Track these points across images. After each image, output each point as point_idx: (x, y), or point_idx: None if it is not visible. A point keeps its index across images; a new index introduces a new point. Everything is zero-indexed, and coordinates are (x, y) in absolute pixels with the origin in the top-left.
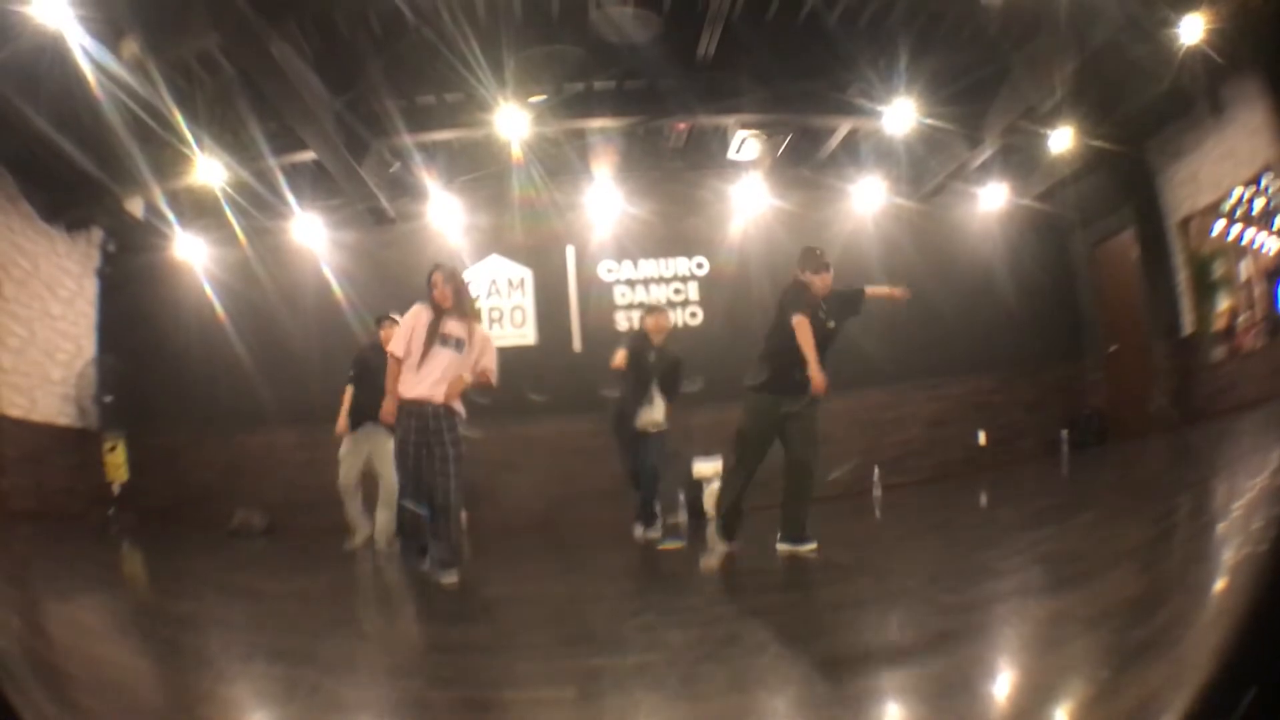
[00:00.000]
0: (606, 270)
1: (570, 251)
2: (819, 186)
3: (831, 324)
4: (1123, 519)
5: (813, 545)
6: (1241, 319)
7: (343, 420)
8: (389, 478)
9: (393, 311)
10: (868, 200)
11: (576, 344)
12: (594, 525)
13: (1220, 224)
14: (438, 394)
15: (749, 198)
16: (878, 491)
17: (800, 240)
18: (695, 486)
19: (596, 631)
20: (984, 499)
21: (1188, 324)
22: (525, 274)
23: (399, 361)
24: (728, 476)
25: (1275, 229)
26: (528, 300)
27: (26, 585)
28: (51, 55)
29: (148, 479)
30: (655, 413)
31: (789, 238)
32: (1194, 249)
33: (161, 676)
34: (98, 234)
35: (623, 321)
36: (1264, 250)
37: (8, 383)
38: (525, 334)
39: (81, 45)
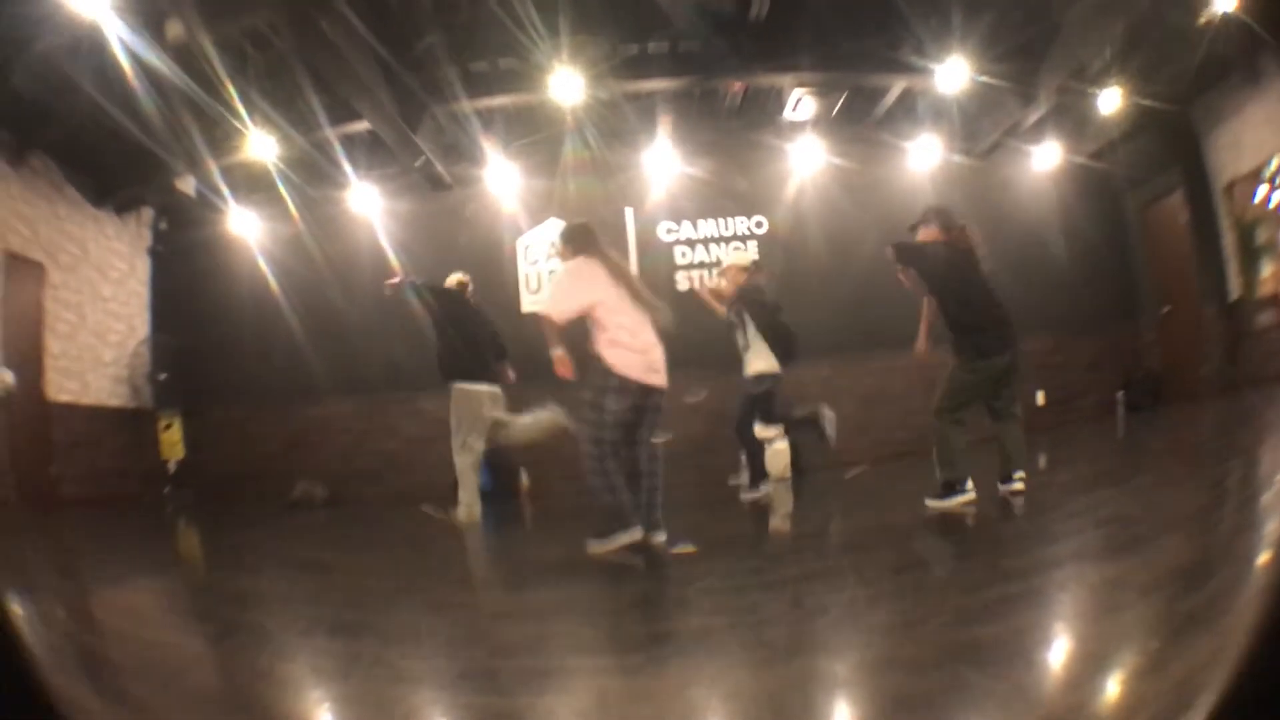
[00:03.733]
0: (666, 231)
1: (629, 213)
2: (875, 144)
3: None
4: (1176, 485)
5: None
6: None
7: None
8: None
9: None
10: (924, 158)
11: None
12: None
13: (1263, 190)
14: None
15: (806, 157)
16: None
17: (856, 198)
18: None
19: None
20: (1043, 460)
21: (1235, 289)
22: None
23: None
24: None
25: None
26: None
27: (76, 574)
28: (98, 38)
29: (204, 456)
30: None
31: (846, 196)
32: (1238, 214)
33: (216, 657)
34: (148, 213)
35: (683, 282)
36: None
37: (57, 368)
38: None
39: (127, 28)
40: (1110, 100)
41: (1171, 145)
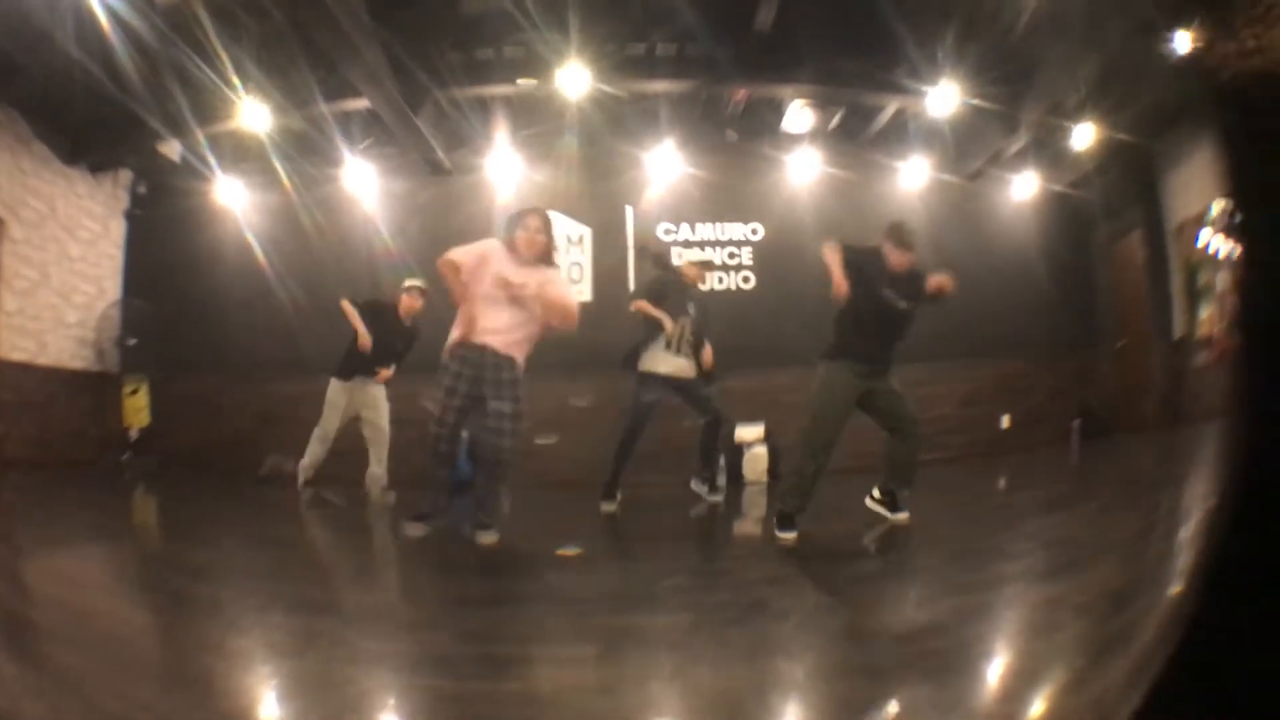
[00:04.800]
0: (663, 231)
1: (629, 211)
2: (868, 160)
3: (903, 305)
4: (1117, 511)
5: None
6: (1217, 329)
7: (363, 334)
8: (384, 429)
9: (421, 281)
10: (913, 177)
11: None
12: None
13: (1205, 234)
14: (502, 342)
15: (803, 167)
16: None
17: (850, 211)
18: (736, 451)
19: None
20: (1003, 482)
21: (1179, 327)
22: (584, 231)
23: (460, 280)
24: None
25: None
26: (585, 258)
27: (9, 536)
28: None
29: (172, 424)
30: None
31: (841, 208)
32: (1185, 256)
33: (163, 628)
34: (126, 175)
35: None
36: (1235, 265)
37: (11, 325)
38: (582, 291)
39: None
40: (1084, 135)
41: (1135, 184)
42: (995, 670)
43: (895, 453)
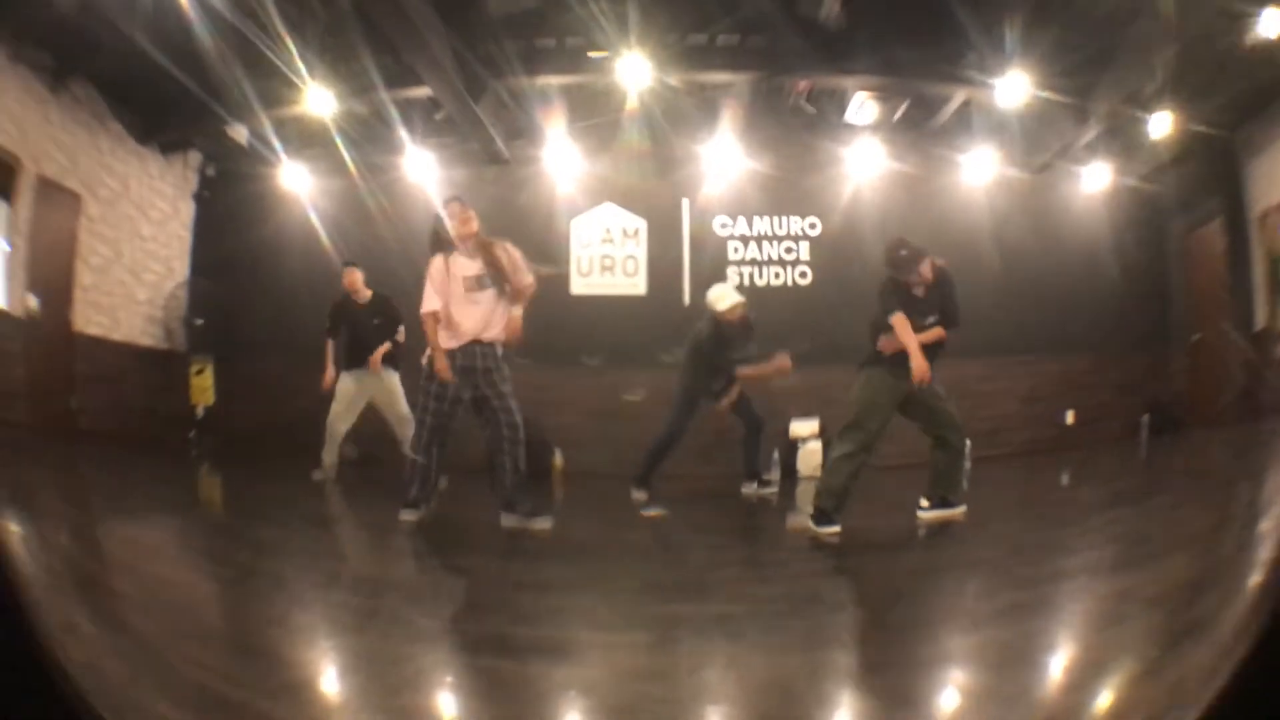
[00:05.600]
0: (720, 225)
1: (685, 204)
2: (932, 153)
3: (929, 320)
4: (1189, 506)
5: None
6: None
7: (329, 374)
8: (402, 413)
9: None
10: (979, 170)
11: (686, 297)
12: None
13: None
14: (487, 334)
15: (865, 161)
16: (968, 464)
17: (912, 206)
18: (791, 447)
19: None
20: (1066, 478)
21: (1261, 319)
22: (640, 224)
23: (436, 319)
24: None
25: None
26: (641, 250)
27: (86, 504)
28: None
29: (237, 405)
30: None
31: (901, 203)
32: (1269, 245)
33: (229, 600)
34: (196, 157)
35: (734, 277)
36: None
37: (88, 300)
38: (636, 284)
39: None
40: (1160, 124)
41: (1215, 172)
42: (1064, 660)
43: (938, 461)
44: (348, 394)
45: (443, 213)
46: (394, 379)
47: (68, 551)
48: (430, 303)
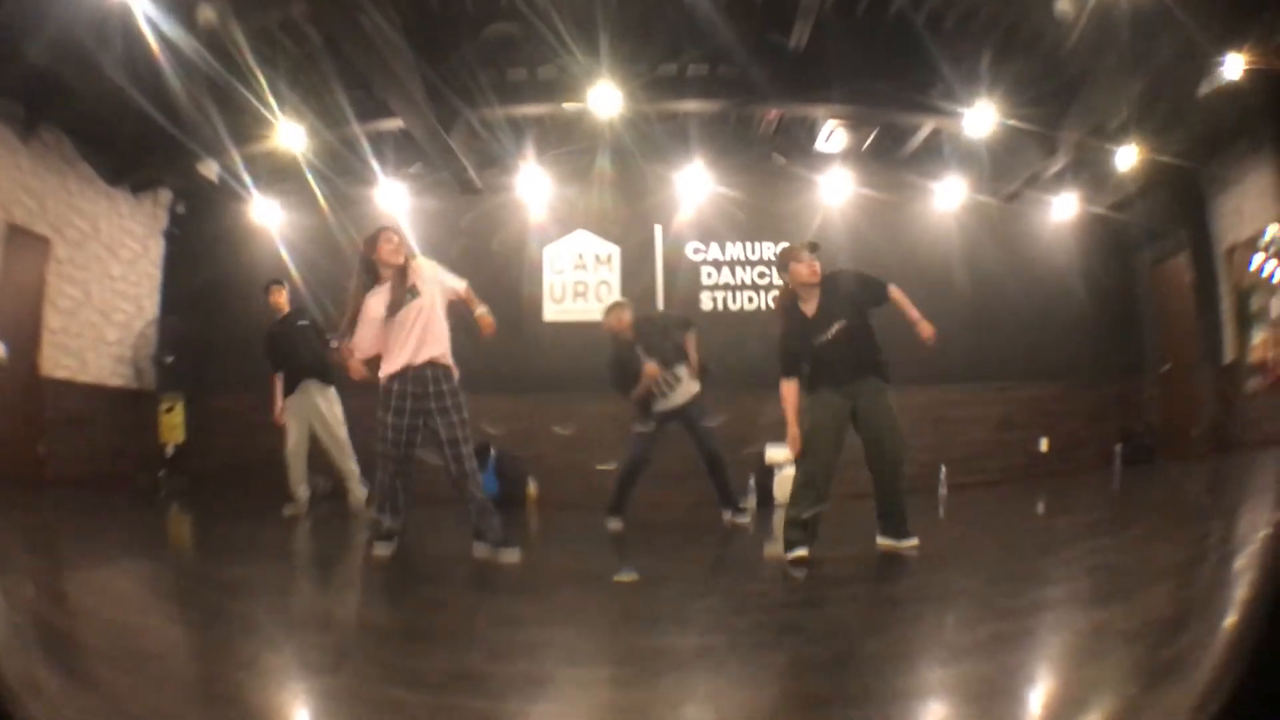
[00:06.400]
0: (693, 251)
1: (658, 230)
2: (903, 181)
3: (838, 325)
4: (1163, 539)
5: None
6: (1272, 354)
7: (278, 406)
8: (339, 437)
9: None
10: (949, 198)
11: None
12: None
13: (1258, 258)
14: (426, 355)
15: (836, 188)
16: (943, 490)
17: (883, 232)
18: (767, 473)
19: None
20: (1041, 506)
21: (1229, 352)
22: (613, 250)
23: (364, 357)
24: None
25: None
26: (614, 276)
27: (52, 552)
28: (125, 16)
29: (207, 442)
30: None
31: (874, 229)
32: (1236, 280)
33: (199, 644)
34: (166, 195)
35: (708, 302)
36: None
37: (54, 343)
38: None
39: (155, 8)
40: (1127, 157)
41: (1182, 206)
42: (1048, 696)
43: (874, 485)
44: (295, 421)
45: (376, 240)
46: (328, 398)
47: (32, 604)
48: (358, 340)
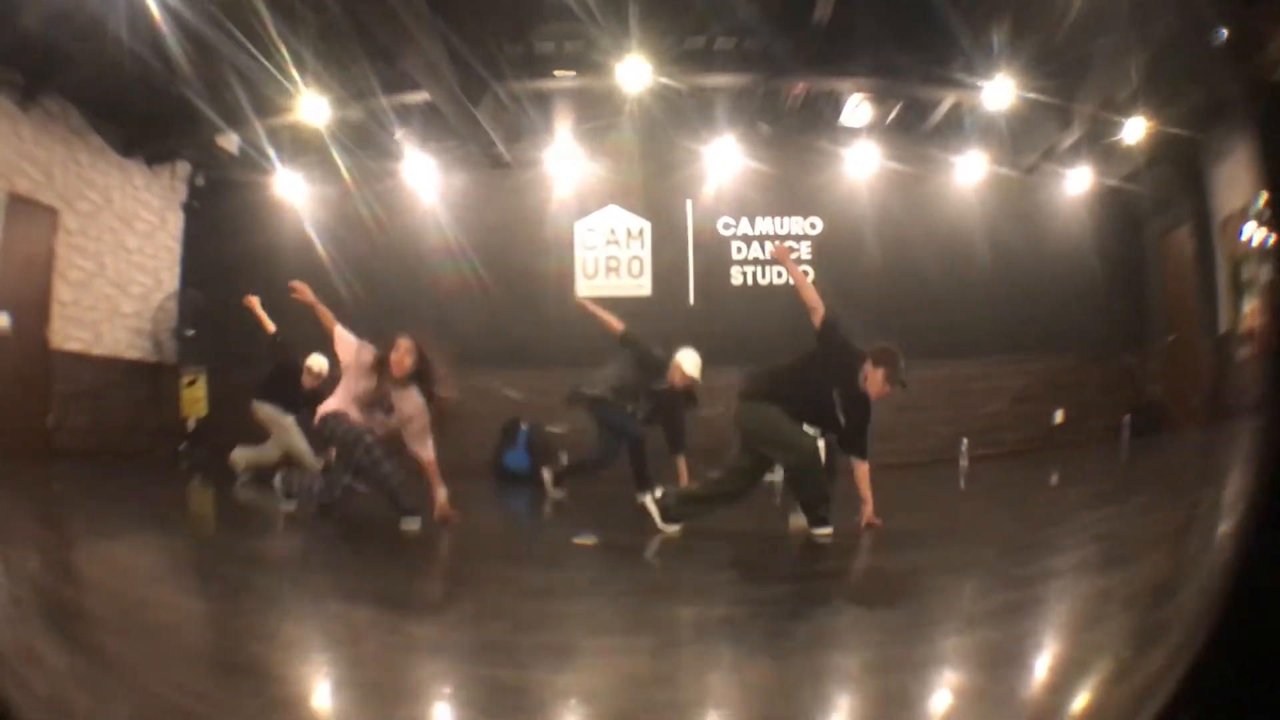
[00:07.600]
0: (723, 226)
1: (689, 205)
2: (925, 155)
3: None
4: (1163, 507)
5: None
6: (1260, 323)
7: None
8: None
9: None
10: (971, 171)
11: (691, 298)
12: None
13: (1248, 228)
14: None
15: (861, 161)
16: (964, 462)
17: (908, 205)
18: None
19: None
20: (1055, 477)
21: (1224, 322)
22: (644, 225)
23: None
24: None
25: None
26: (645, 252)
27: (60, 525)
28: None
29: (229, 416)
30: None
31: (899, 203)
32: (1230, 250)
33: (217, 617)
34: (184, 167)
35: (737, 277)
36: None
37: (66, 316)
38: (642, 285)
39: None
40: (1135, 130)
41: (1185, 178)
42: (1048, 660)
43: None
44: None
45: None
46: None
47: (36, 577)
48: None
